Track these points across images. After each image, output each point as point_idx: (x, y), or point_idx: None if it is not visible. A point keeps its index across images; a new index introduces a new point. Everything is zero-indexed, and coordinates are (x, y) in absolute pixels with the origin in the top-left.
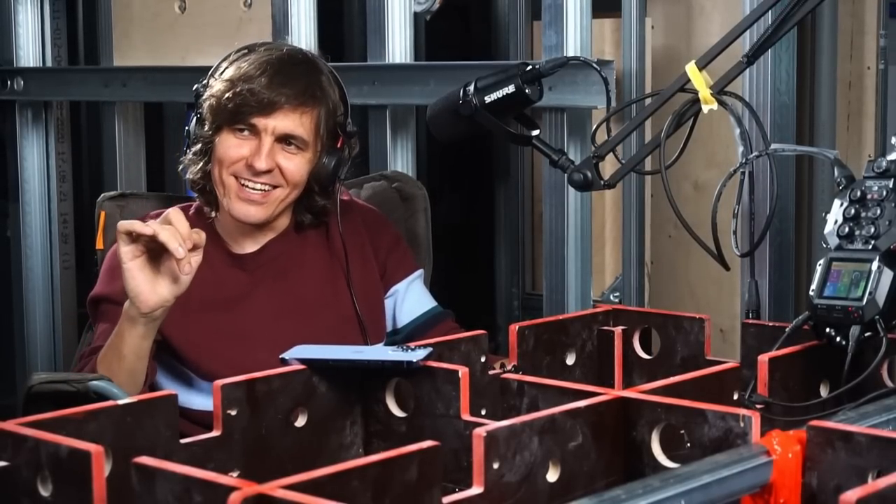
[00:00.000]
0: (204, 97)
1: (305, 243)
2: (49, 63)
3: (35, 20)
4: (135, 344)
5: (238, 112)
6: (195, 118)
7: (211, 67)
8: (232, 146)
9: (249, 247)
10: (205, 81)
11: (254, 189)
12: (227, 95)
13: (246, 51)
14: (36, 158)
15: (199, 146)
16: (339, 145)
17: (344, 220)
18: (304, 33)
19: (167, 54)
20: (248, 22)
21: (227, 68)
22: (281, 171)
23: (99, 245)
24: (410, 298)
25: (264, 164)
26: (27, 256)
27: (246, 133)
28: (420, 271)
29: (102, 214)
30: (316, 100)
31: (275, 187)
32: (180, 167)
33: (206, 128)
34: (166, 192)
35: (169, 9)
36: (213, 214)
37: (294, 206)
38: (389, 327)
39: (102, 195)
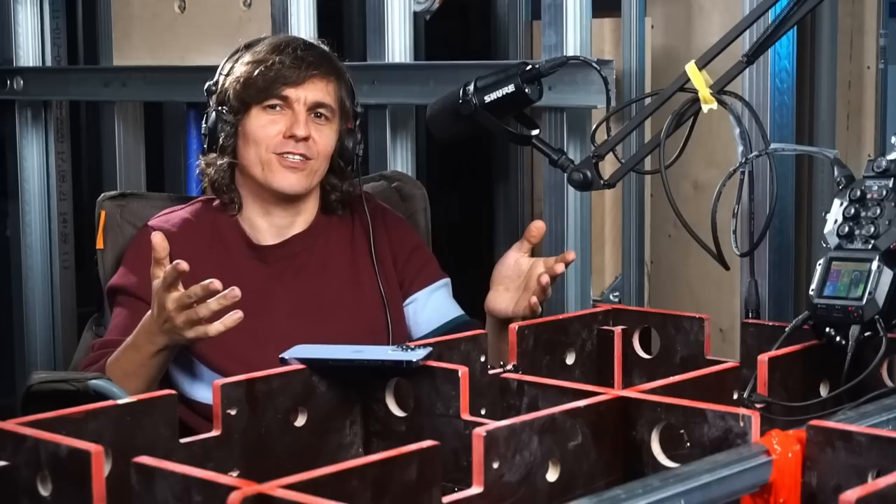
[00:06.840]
0: (225, 84)
1: (328, 241)
2: (49, 63)
3: (35, 20)
4: (163, 357)
5: (270, 86)
6: (213, 114)
7: (211, 66)
8: (266, 123)
9: (272, 240)
10: (215, 79)
11: (293, 157)
12: (256, 72)
13: (245, 47)
14: (35, 158)
15: (223, 136)
16: (349, 126)
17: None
18: (303, 33)
19: (167, 54)
20: (248, 21)
21: (240, 58)
22: (314, 142)
23: (99, 245)
24: (431, 307)
25: (303, 131)
26: (27, 256)
27: (278, 108)
28: (445, 280)
29: (102, 214)
30: (338, 71)
31: (309, 158)
32: (198, 170)
33: (232, 113)
34: (166, 192)
35: (168, 9)
36: (236, 212)
37: (320, 188)
38: (413, 336)
39: (102, 195)
